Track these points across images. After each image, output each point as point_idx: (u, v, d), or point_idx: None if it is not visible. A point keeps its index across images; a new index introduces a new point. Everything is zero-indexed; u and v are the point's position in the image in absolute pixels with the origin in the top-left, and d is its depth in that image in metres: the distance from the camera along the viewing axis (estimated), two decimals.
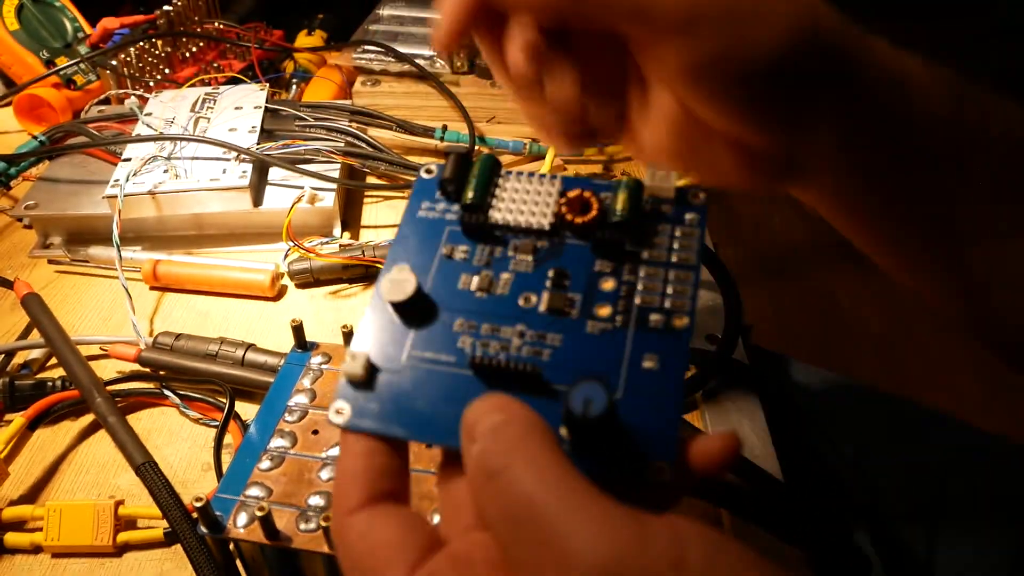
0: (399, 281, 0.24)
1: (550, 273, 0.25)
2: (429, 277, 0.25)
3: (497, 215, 0.26)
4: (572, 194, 0.26)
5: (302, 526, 0.31)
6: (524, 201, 0.26)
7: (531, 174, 0.27)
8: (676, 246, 0.25)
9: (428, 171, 0.28)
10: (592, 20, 0.26)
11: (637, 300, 0.24)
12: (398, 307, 0.24)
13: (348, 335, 0.38)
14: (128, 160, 0.55)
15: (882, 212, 0.29)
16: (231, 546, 0.33)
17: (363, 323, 0.25)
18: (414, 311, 0.24)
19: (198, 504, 0.30)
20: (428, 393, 0.23)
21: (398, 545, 0.20)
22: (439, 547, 0.21)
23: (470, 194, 0.26)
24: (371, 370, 0.24)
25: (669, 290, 0.24)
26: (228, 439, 0.41)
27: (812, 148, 0.27)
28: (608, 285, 0.24)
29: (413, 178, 0.59)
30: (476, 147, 0.63)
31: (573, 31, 0.27)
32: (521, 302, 0.24)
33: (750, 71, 0.24)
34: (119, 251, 0.50)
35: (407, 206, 0.27)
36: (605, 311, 0.24)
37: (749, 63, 0.24)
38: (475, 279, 0.25)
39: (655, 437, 0.21)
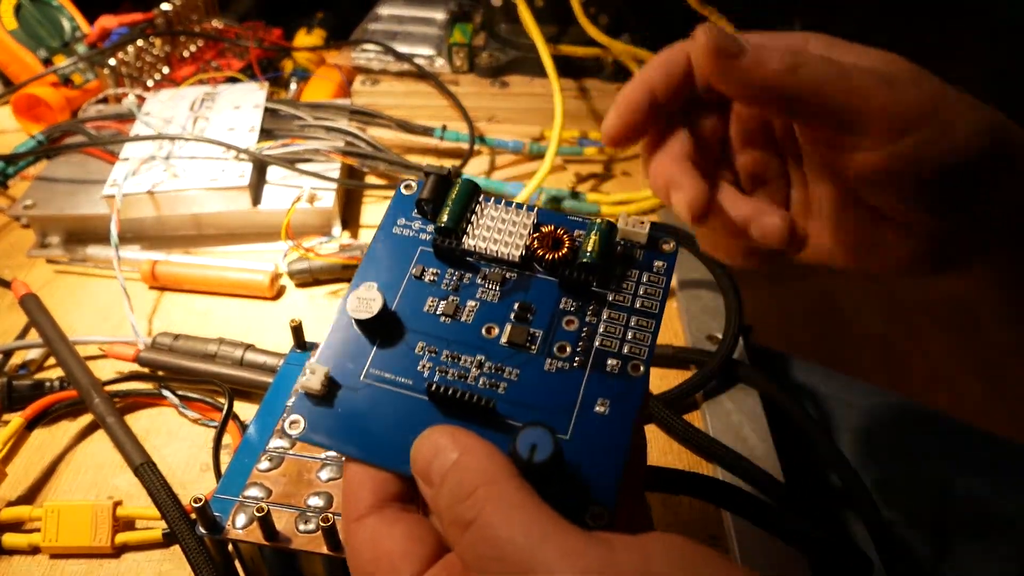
0: (366, 299, 0.24)
1: (515, 306, 0.25)
2: (397, 295, 0.26)
3: (470, 241, 0.26)
4: (546, 229, 0.26)
5: (301, 527, 0.30)
6: (499, 230, 0.26)
7: (508, 203, 0.27)
8: (641, 292, 0.25)
9: (408, 187, 0.28)
10: (799, 113, 0.26)
11: (597, 342, 0.24)
12: (362, 324, 0.25)
13: None
14: (126, 160, 0.55)
15: None
16: (230, 547, 0.33)
17: (327, 337, 0.25)
18: (378, 330, 0.25)
19: (197, 505, 0.30)
20: (383, 415, 0.23)
21: (402, 554, 0.21)
22: (443, 553, 0.21)
23: (445, 217, 0.26)
24: (330, 385, 0.24)
25: (629, 335, 0.24)
26: (227, 439, 0.41)
27: (985, 235, 0.28)
28: (570, 324, 0.25)
29: (413, 178, 0.59)
30: (474, 146, 0.62)
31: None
32: (484, 332, 0.25)
33: (950, 167, 0.26)
34: (117, 251, 0.49)
35: (383, 219, 0.28)
36: (565, 351, 0.24)
37: (950, 160, 0.25)
38: (442, 304, 0.25)
39: (597, 482, 0.21)
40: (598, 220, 0.26)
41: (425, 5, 0.77)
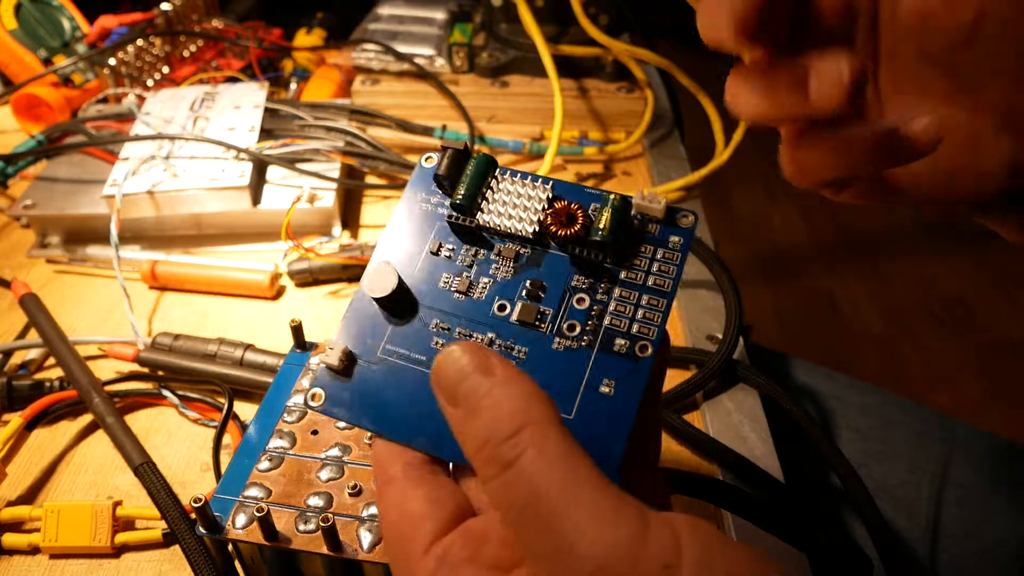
0: (381, 276, 0.25)
1: (527, 283, 0.25)
2: (414, 270, 0.26)
3: (484, 217, 0.26)
4: (559, 204, 0.26)
5: (301, 527, 0.30)
6: (514, 205, 0.26)
7: (525, 175, 0.26)
8: (655, 269, 0.25)
9: (428, 158, 0.28)
10: None
11: (606, 321, 0.24)
12: (378, 302, 0.25)
13: None
14: (126, 159, 0.55)
15: None
16: (230, 547, 0.33)
17: (346, 313, 0.25)
18: (394, 306, 0.25)
19: (196, 505, 0.30)
20: (397, 390, 0.24)
21: (423, 516, 0.21)
22: (466, 517, 0.22)
23: (460, 193, 0.26)
24: (348, 360, 0.24)
25: (640, 315, 0.24)
26: (227, 439, 0.41)
27: None
28: (581, 303, 0.25)
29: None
30: (476, 146, 0.62)
31: None
32: (496, 309, 0.25)
33: None
34: (117, 251, 0.49)
35: (405, 192, 0.28)
36: (574, 329, 0.24)
37: None
38: (456, 280, 0.26)
39: (599, 463, 0.21)
40: (612, 195, 0.25)
41: (425, 5, 0.77)
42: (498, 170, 0.27)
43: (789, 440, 0.44)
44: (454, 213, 0.26)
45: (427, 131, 0.63)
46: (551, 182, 0.26)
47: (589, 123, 0.68)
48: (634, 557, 0.17)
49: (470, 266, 0.26)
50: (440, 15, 0.76)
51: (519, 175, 0.26)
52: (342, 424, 0.35)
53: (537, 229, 0.26)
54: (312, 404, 0.24)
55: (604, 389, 0.23)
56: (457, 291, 0.25)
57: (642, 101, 0.68)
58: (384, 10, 0.77)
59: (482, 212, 0.26)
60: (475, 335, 0.24)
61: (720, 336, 0.48)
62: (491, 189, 0.26)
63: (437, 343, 0.24)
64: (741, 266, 1.56)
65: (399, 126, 0.63)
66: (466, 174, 0.26)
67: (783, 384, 0.44)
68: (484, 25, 0.73)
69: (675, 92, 0.75)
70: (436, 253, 0.26)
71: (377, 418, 0.23)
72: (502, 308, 0.25)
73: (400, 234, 0.27)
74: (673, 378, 0.46)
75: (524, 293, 0.25)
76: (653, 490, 0.25)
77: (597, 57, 0.68)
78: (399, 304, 0.25)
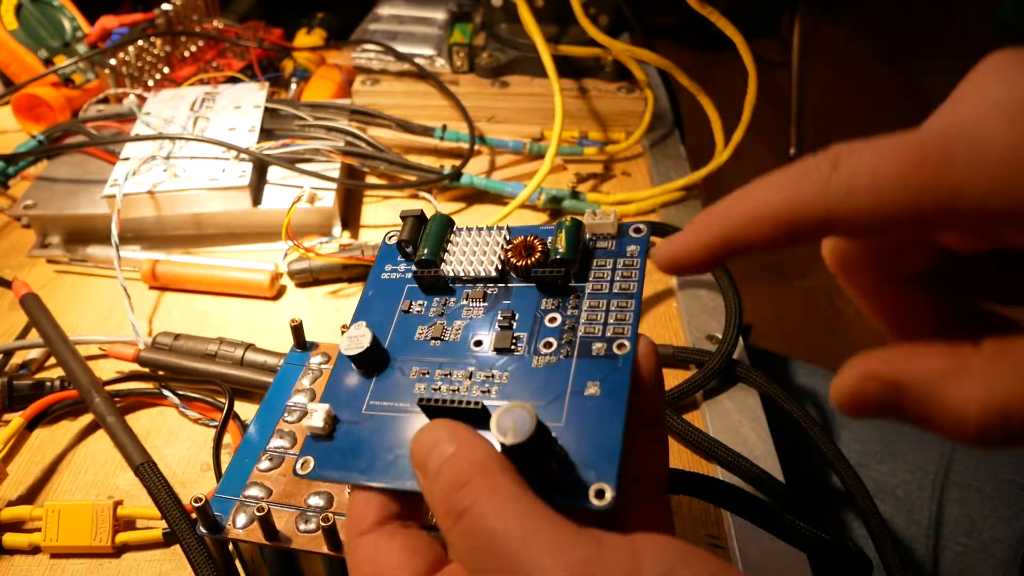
0: (356, 337, 0.26)
1: (499, 315, 0.26)
2: (389, 331, 0.27)
3: (448, 268, 0.28)
4: (517, 240, 0.27)
5: (301, 526, 0.31)
6: (473, 252, 0.28)
7: (480, 229, 0.28)
8: (618, 276, 0.26)
9: (391, 236, 0.30)
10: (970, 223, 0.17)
11: (580, 331, 0.25)
12: (357, 360, 0.26)
13: None
14: (127, 159, 0.55)
15: None
16: (230, 547, 0.33)
17: (329, 380, 0.26)
18: (372, 364, 0.26)
19: (197, 504, 0.30)
20: (385, 439, 0.24)
21: (400, 566, 0.22)
22: (440, 566, 0.22)
23: (424, 251, 0.28)
24: (332, 423, 0.25)
25: (611, 319, 0.25)
26: (227, 439, 0.41)
27: None
28: (553, 321, 0.25)
29: (413, 177, 0.60)
30: (474, 146, 0.62)
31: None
32: (472, 345, 0.26)
33: None
34: (118, 251, 0.49)
35: (372, 269, 0.30)
36: (551, 346, 0.25)
37: None
38: (430, 329, 0.27)
39: (597, 461, 0.21)
40: (564, 219, 0.27)
41: (425, 5, 0.77)
42: (455, 227, 0.29)
43: (789, 440, 0.44)
44: (420, 268, 0.28)
45: (427, 131, 0.63)
46: (504, 227, 0.28)
47: (589, 123, 0.68)
48: (591, 574, 0.17)
49: (442, 315, 0.27)
50: (440, 15, 0.76)
51: (475, 229, 0.28)
52: None
53: (500, 267, 0.27)
54: (301, 473, 0.24)
55: (590, 391, 0.23)
56: (432, 338, 0.26)
57: (642, 101, 0.68)
58: (384, 10, 0.77)
59: (445, 263, 0.28)
60: (454, 372, 0.25)
61: (720, 336, 0.48)
62: (451, 243, 0.28)
63: (419, 388, 0.25)
64: (741, 266, 1.56)
65: (399, 126, 0.63)
66: (426, 234, 0.28)
67: (783, 384, 0.44)
68: (484, 25, 0.73)
69: (675, 92, 0.75)
70: (408, 311, 0.28)
71: (367, 470, 0.24)
72: (478, 343, 0.26)
73: (373, 304, 0.28)
74: (673, 378, 0.46)
75: (497, 324, 0.26)
76: (660, 519, 0.25)
77: (597, 57, 0.68)
78: (377, 361, 0.26)
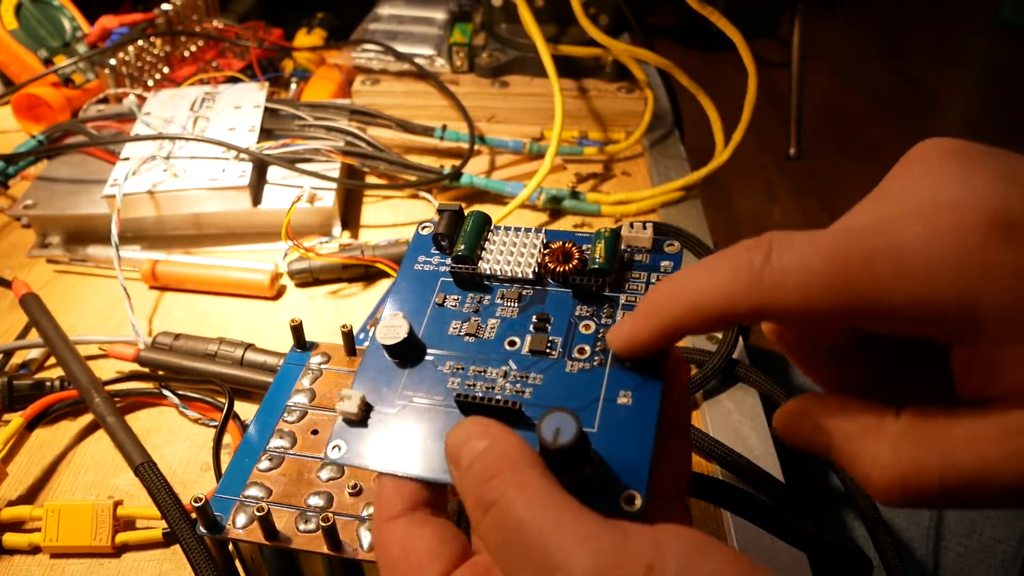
0: (393, 326, 0.26)
1: (533, 318, 0.27)
2: (423, 323, 0.27)
3: (485, 266, 0.28)
4: (555, 245, 0.28)
5: (301, 526, 0.30)
6: (511, 252, 0.28)
7: (518, 229, 0.29)
8: None
9: (424, 227, 0.30)
10: (887, 325, 0.19)
11: None
12: (392, 350, 0.26)
13: (348, 335, 0.38)
14: (127, 159, 0.55)
15: None
16: (230, 546, 0.33)
17: (361, 366, 0.26)
18: (407, 354, 0.26)
19: (197, 504, 0.30)
20: (417, 430, 0.25)
21: (431, 554, 0.22)
22: (468, 556, 0.22)
23: (461, 246, 0.28)
24: (365, 409, 0.25)
25: None
26: (227, 439, 0.41)
27: None
28: (587, 328, 0.26)
29: (413, 177, 0.60)
30: (474, 146, 0.62)
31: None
32: (506, 345, 0.26)
33: None
34: (118, 251, 0.49)
35: (404, 259, 0.29)
36: (584, 352, 0.25)
37: None
38: (465, 325, 0.27)
39: (628, 468, 0.22)
40: (602, 229, 0.27)
41: (425, 5, 0.77)
42: (492, 225, 0.29)
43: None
44: (457, 264, 0.28)
45: (427, 131, 0.63)
46: (543, 231, 0.28)
47: (589, 123, 0.68)
48: (617, 561, 0.18)
49: (476, 311, 0.27)
50: (440, 15, 0.76)
51: (512, 229, 0.29)
52: None
53: (536, 270, 0.27)
54: (333, 456, 0.24)
55: (623, 400, 0.24)
56: (467, 334, 0.27)
57: (642, 101, 0.68)
58: (384, 10, 0.77)
59: (482, 261, 0.28)
60: (489, 370, 0.25)
61: (720, 336, 0.48)
62: (488, 241, 0.28)
63: (453, 383, 0.25)
64: None
65: (399, 126, 0.63)
66: (464, 229, 0.28)
67: (783, 384, 0.44)
68: (484, 25, 0.73)
69: (675, 92, 0.75)
70: (442, 305, 0.28)
71: (399, 461, 0.24)
72: (512, 344, 0.26)
73: (405, 294, 0.28)
74: None
75: (532, 327, 0.26)
76: (676, 518, 0.25)
77: (597, 57, 0.68)
78: (411, 351, 0.26)
